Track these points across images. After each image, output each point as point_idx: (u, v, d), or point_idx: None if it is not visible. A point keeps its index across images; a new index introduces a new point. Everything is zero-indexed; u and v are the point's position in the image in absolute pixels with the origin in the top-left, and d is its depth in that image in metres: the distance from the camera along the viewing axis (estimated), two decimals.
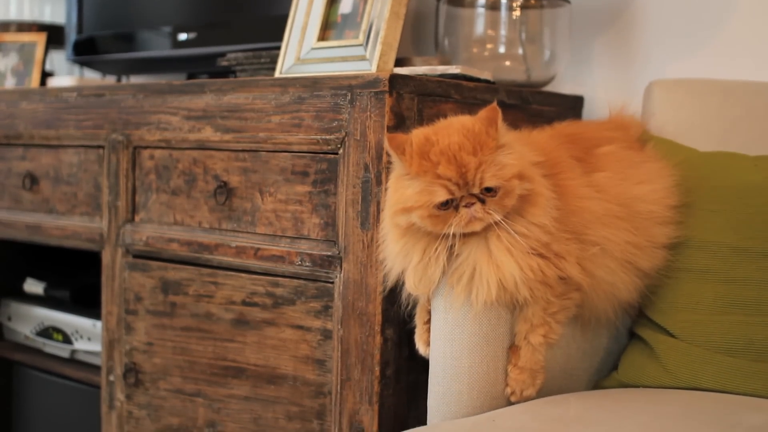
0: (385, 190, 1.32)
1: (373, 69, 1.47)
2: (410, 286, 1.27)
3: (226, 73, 1.92)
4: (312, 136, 1.46)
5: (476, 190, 1.17)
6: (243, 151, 1.56)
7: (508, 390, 1.27)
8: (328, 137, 1.44)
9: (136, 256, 1.74)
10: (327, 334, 1.46)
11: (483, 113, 1.22)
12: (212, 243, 1.60)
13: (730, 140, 1.51)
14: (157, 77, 2.34)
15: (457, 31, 1.75)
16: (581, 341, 1.38)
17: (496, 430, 1.12)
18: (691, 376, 1.29)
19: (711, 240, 1.35)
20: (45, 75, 2.22)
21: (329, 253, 1.45)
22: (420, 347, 1.35)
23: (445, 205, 1.17)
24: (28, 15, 2.59)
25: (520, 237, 1.19)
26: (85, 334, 1.97)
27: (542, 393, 1.28)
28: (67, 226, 1.87)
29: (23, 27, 2.40)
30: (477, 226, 1.19)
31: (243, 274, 1.57)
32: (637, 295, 1.35)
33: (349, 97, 1.41)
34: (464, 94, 1.49)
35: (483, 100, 1.51)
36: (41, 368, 2.06)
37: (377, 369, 1.40)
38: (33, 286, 2.17)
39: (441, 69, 1.49)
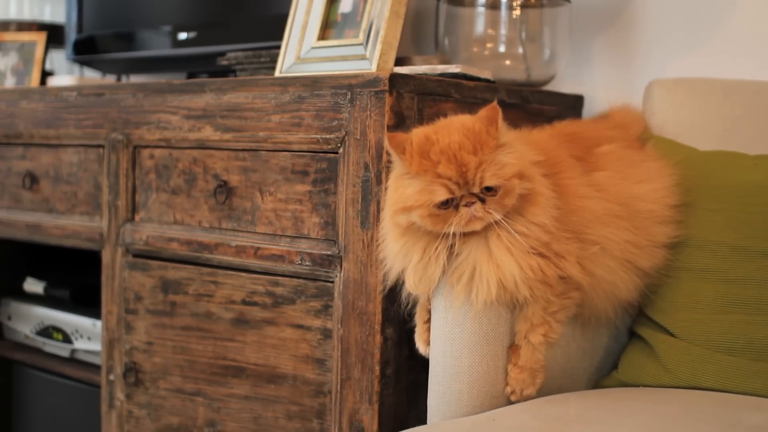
0: (385, 189, 1.32)
1: (373, 68, 1.47)
2: (410, 286, 1.27)
3: (226, 72, 1.92)
4: (312, 136, 1.46)
5: (476, 190, 1.17)
6: (243, 150, 1.56)
7: (508, 389, 1.27)
8: (328, 136, 1.44)
9: (136, 256, 1.74)
10: (327, 334, 1.46)
11: (483, 112, 1.22)
12: (212, 242, 1.60)
13: (730, 139, 1.51)
14: (157, 76, 2.34)
15: (457, 30, 1.75)
16: (581, 340, 1.38)
17: (496, 429, 1.12)
18: (691, 375, 1.29)
19: (711, 239, 1.35)
20: (45, 74, 2.22)
21: (329, 253, 1.45)
22: (420, 346, 1.35)
23: (445, 204, 1.17)
24: (28, 14, 2.59)
25: (520, 236, 1.19)
26: (85, 334, 1.97)
27: (542, 392, 1.28)
28: (67, 226, 1.87)
29: (23, 26, 2.40)
30: (477, 226, 1.19)
31: (243, 274, 1.57)
32: (637, 295, 1.35)
33: (349, 97, 1.41)
34: (464, 93, 1.49)
35: (483, 99, 1.51)
36: (41, 367, 2.06)
37: (377, 368, 1.40)
38: (33, 286, 2.17)
39: (441, 68, 1.49)
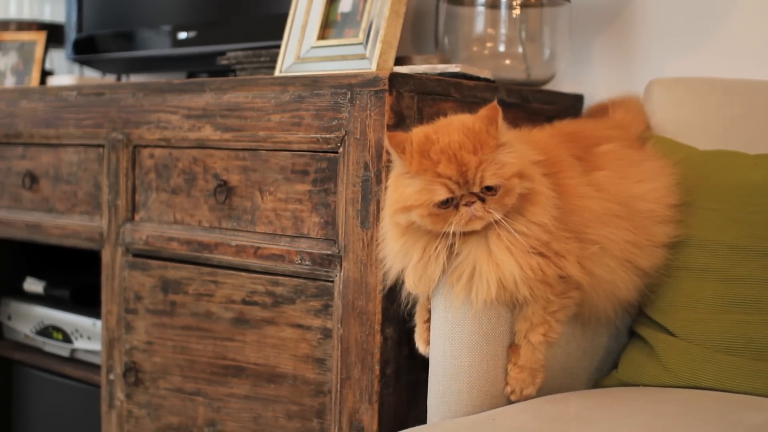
0: (385, 188, 1.31)
1: (373, 68, 1.47)
2: (410, 285, 1.27)
3: (226, 71, 1.92)
4: (312, 135, 1.46)
5: (476, 189, 1.17)
6: (243, 149, 1.56)
7: (508, 389, 1.27)
8: (328, 136, 1.43)
9: (135, 255, 1.74)
10: (327, 333, 1.46)
11: (483, 112, 1.22)
12: (212, 242, 1.60)
13: (730, 139, 1.51)
14: (157, 76, 2.34)
15: (457, 29, 1.75)
16: (581, 340, 1.38)
17: (496, 428, 1.12)
18: (691, 374, 1.29)
19: (711, 239, 1.35)
20: (45, 74, 2.22)
21: (329, 252, 1.45)
22: (420, 346, 1.35)
23: (445, 203, 1.17)
24: (27, 14, 2.58)
25: (520, 236, 1.19)
26: (85, 333, 1.97)
27: (542, 392, 1.28)
28: (66, 225, 1.87)
29: (23, 26, 2.40)
30: (477, 225, 1.19)
31: (243, 273, 1.57)
32: (637, 294, 1.35)
33: (348, 96, 1.41)
34: (464, 92, 1.48)
35: (483, 98, 1.51)
36: (41, 367, 2.06)
37: (377, 368, 1.40)
38: (33, 285, 2.17)
39: (441, 68, 1.49)
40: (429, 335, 1.31)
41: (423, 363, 1.35)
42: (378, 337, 1.39)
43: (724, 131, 1.53)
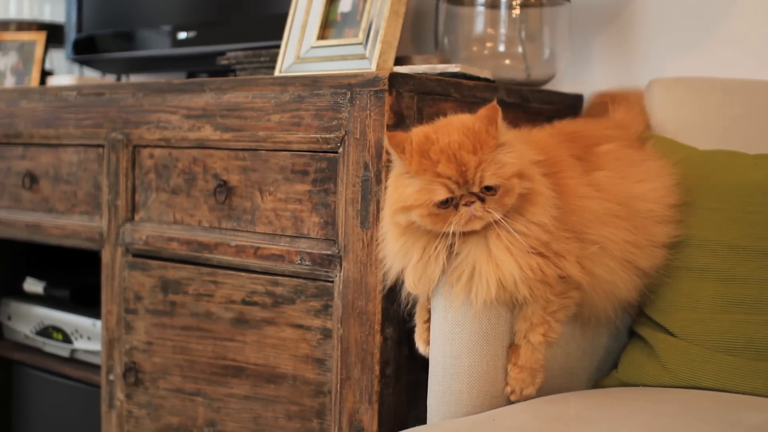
0: (385, 188, 1.31)
1: (373, 68, 1.47)
2: (410, 285, 1.27)
3: (226, 71, 1.92)
4: (312, 135, 1.45)
5: (476, 189, 1.17)
6: (243, 149, 1.56)
7: (508, 389, 1.27)
8: (327, 136, 1.43)
9: (135, 255, 1.74)
10: (327, 333, 1.46)
11: (483, 112, 1.22)
12: (212, 242, 1.60)
13: (730, 138, 1.51)
14: (157, 76, 2.34)
15: (457, 29, 1.75)
16: (581, 340, 1.38)
17: (496, 429, 1.12)
18: (691, 374, 1.29)
19: (711, 238, 1.35)
20: (45, 74, 2.22)
21: (329, 252, 1.44)
22: (420, 346, 1.35)
23: (444, 203, 1.17)
24: (27, 14, 2.58)
25: (519, 236, 1.19)
26: (85, 334, 1.97)
27: (542, 392, 1.28)
28: (66, 226, 1.87)
29: (23, 26, 2.40)
30: (477, 225, 1.19)
31: (243, 273, 1.57)
32: (637, 294, 1.35)
33: (348, 96, 1.41)
34: (464, 92, 1.48)
35: (483, 98, 1.51)
36: (41, 367, 2.06)
37: (377, 368, 1.40)
38: (33, 286, 2.17)
39: (441, 68, 1.49)
40: (429, 335, 1.31)
41: (423, 363, 1.35)
42: (378, 338, 1.39)
43: (724, 131, 1.53)
